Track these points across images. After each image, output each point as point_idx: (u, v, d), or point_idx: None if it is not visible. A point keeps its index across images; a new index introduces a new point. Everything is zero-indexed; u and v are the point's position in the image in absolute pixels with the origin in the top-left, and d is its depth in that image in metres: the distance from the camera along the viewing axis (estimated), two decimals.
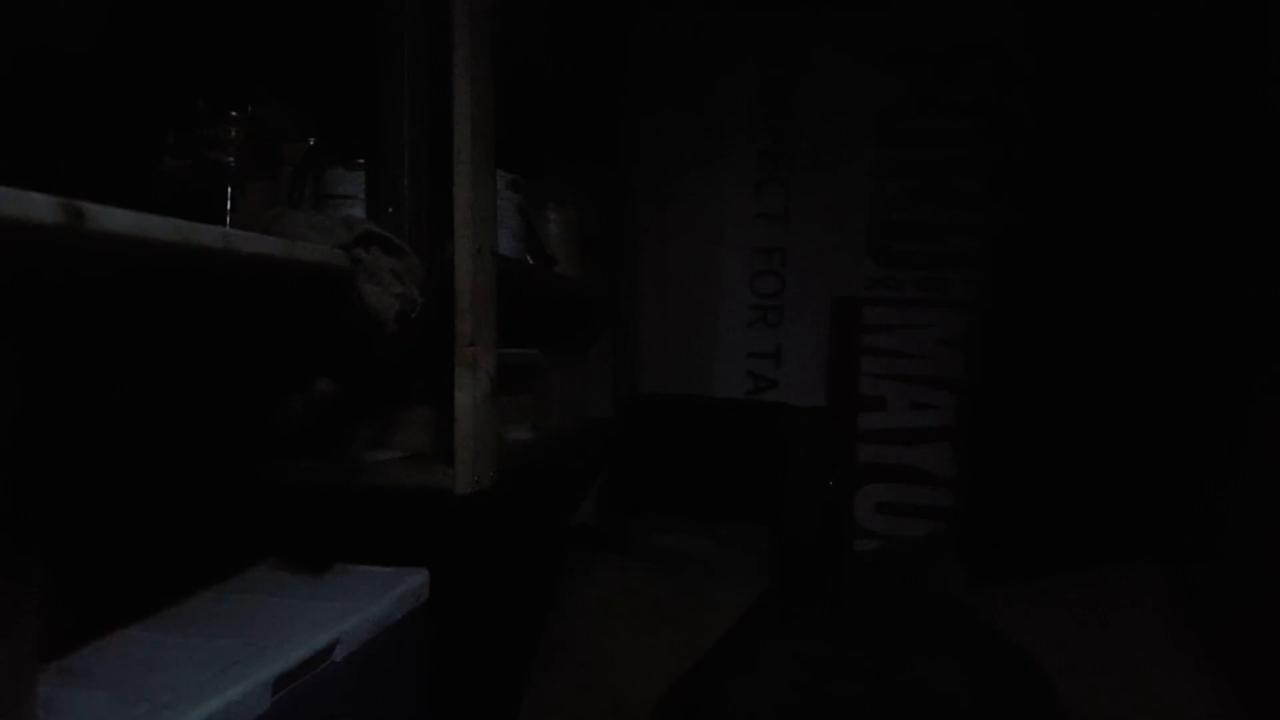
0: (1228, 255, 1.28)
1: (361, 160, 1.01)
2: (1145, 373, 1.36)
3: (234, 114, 0.90)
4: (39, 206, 0.42)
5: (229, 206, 0.89)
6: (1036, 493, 1.48)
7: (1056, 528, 1.45)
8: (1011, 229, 1.64)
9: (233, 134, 0.87)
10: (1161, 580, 1.14)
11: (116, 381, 1.02)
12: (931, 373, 1.73)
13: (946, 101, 1.72)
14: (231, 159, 0.89)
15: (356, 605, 0.90)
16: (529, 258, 1.33)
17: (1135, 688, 1.03)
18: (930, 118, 1.73)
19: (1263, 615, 1.04)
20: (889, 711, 0.81)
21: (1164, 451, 1.31)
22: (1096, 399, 1.42)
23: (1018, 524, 1.49)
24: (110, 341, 0.99)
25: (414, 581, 1.00)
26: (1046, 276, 1.50)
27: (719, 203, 1.85)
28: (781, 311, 1.83)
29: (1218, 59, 1.27)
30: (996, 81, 1.69)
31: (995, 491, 1.56)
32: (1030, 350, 1.51)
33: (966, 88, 1.71)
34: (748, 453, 1.49)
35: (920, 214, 1.74)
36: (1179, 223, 1.33)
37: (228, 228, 0.75)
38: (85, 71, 0.81)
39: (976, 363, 1.67)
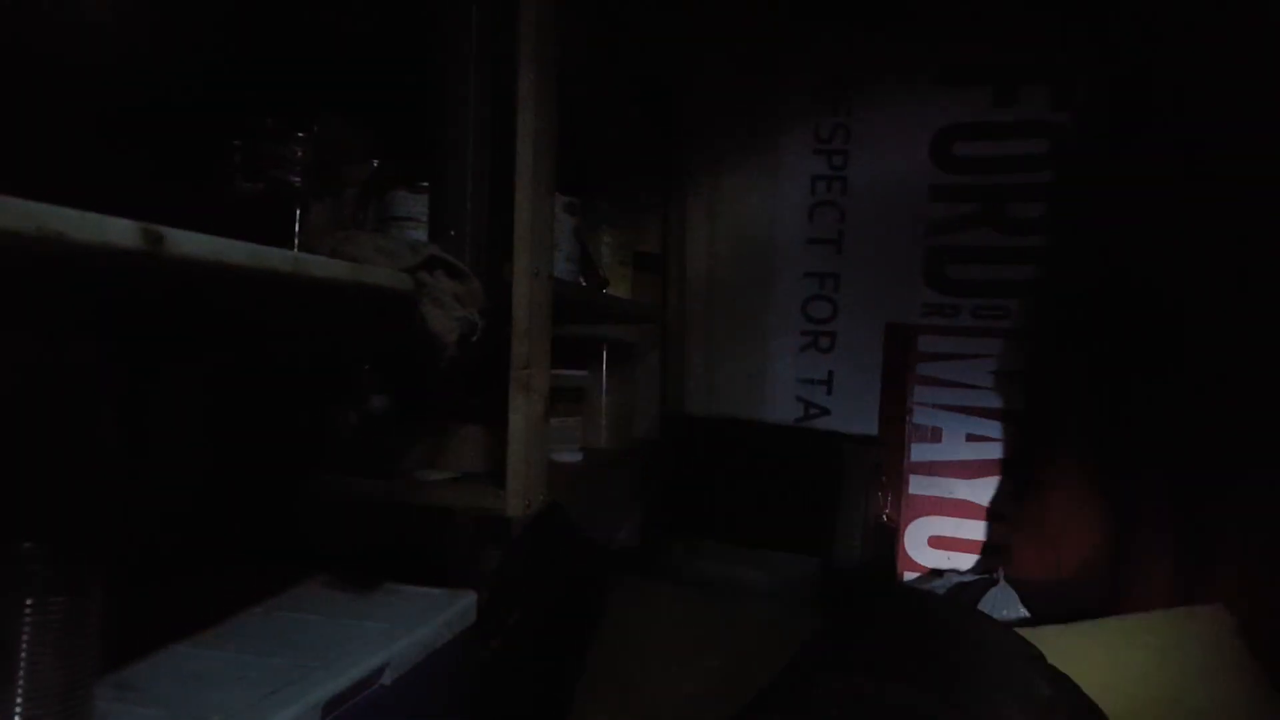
0: None
1: (424, 183, 1.02)
2: (1199, 406, 1.31)
3: (301, 134, 0.91)
4: (120, 231, 0.43)
5: (296, 228, 0.90)
6: (1094, 530, 1.43)
7: (1113, 567, 1.41)
8: (1068, 256, 1.59)
9: (300, 154, 0.87)
10: (1228, 622, 1.09)
11: (177, 394, 1.04)
12: (988, 404, 1.69)
13: (1004, 124, 1.68)
14: (298, 179, 0.90)
15: (405, 627, 0.90)
16: (582, 280, 1.33)
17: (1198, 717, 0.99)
18: (988, 141, 1.70)
19: None
20: None
21: (1225, 494, 1.26)
22: (1156, 439, 1.37)
23: (1072, 562, 1.44)
24: (173, 353, 1.01)
25: (462, 604, 1.00)
26: (1098, 307, 1.45)
27: (772, 226, 1.83)
28: (834, 337, 1.81)
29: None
30: (1054, 105, 1.65)
31: (1051, 525, 1.51)
32: (1080, 382, 1.47)
33: (1025, 110, 1.67)
34: (797, 480, 1.46)
35: (977, 240, 1.70)
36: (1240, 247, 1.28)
37: (296, 251, 0.75)
38: (160, 91, 0.83)
39: (1031, 395, 1.62)
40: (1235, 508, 1.22)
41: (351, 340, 1.06)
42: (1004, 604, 1.37)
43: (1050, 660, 1.02)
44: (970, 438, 1.70)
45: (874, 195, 1.77)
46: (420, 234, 0.98)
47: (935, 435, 1.72)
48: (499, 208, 0.98)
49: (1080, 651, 1.09)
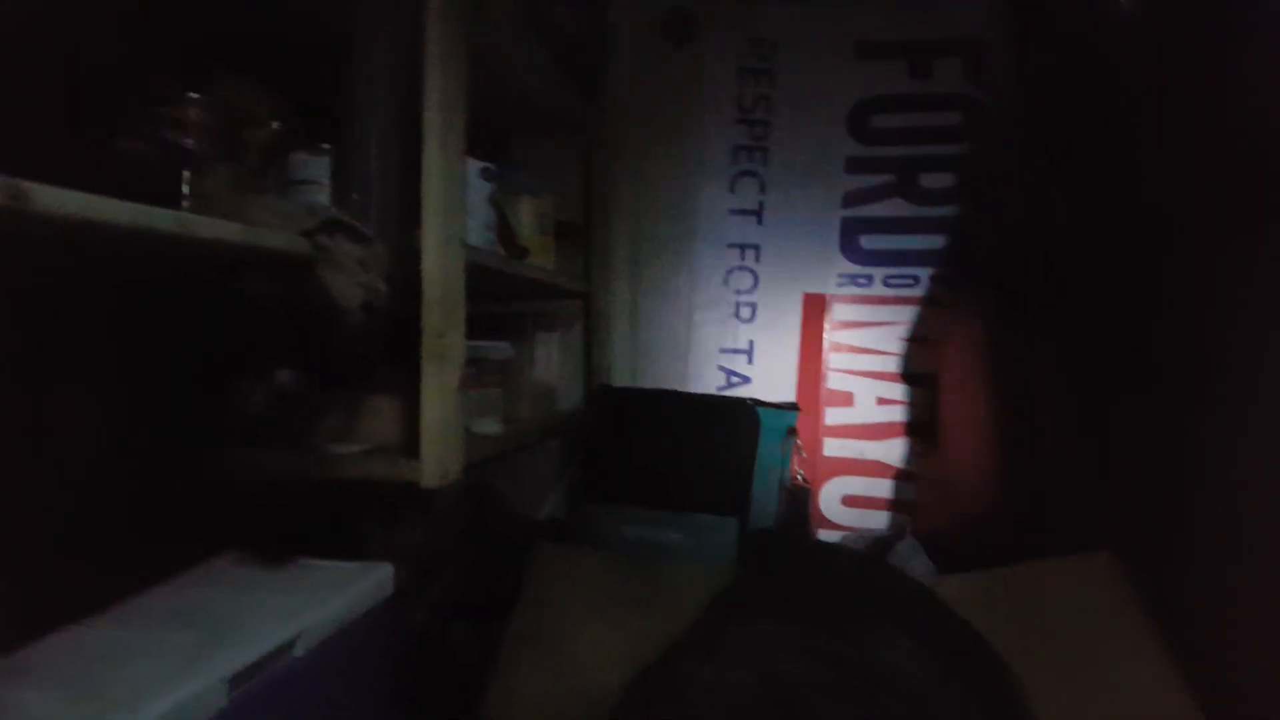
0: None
1: (327, 145, 0.99)
2: (1091, 369, 1.37)
3: (195, 95, 0.87)
4: None
5: (186, 190, 0.86)
6: (995, 485, 1.49)
7: (1014, 520, 1.47)
8: (976, 226, 1.65)
9: (193, 115, 0.84)
10: (1115, 569, 1.15)
11: (70, 365, 0.99)
12: (898, 369, 1.74)
13: (919, 97, 1.72)
14: (191, 141, 0.87)
15: (319, 600, 0.89)
16: (500, 248, 1.31)
17: (1089, 670, 1.05)
18: (903, 114, 1.73)
19: (1208, 603, 1.07)
20: (850, 691, 0.82)
21: (1113, 448, 1.33)
22: (1052, 397, 1.44)
23: (977, 516, 1.51)
24: (63, 325, 0.96)
25: (378, 576, 0.99)
26: (1004, 272, 1.51)
27: (694, 197, 1.84)
28: (755, 308, 1.83)
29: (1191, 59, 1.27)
30: (968, 79, 1.69)
31: (954, 484, 1.57)
32: (987, 344, 1.52)
33: (939, 84, 1.71)
34: (716, 446, 1.48)
35: (891, 211, 1.74)
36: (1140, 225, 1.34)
37: (185, 212, 0.73)
38: (39, 47, 0.78)
39: (938, 358, 1.68)
40: (1123, 462, 1.29)
41: (256, 312, 1.03)
42: (909, 556, 1.43)
43: (951, 607, 1.08)
44: (881, 401, 1.75)
45: (793, 166, 1.80)
46: (324, 198, 0.96)
47: (848, 400, 1.77)
48: (408, 172, 0.96)
49: (978, 598, 1.14)
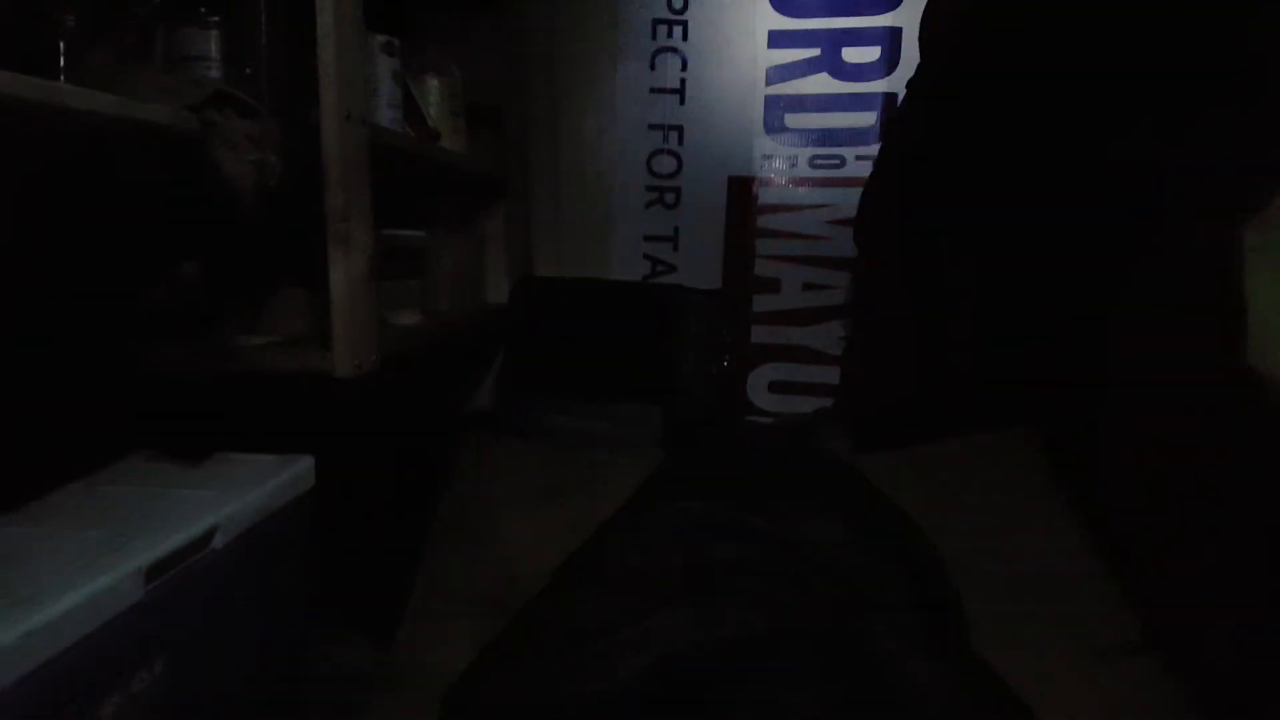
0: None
1: (216, 18, 0.92)
2: (1021, 251, 1.40)
3: None
4: None
5: (63, 64, 0.80)
6: (915, 365, 1.54)
7: (936, 399, 1.52)
8: (900, 104, 1.63)
9: None
10: (1034, 445, 1.20)
11: None
12: (823, 253, 1.76)
13: None
14: (71, 16, 0.80)
15: (237, 493, 0.87)
16: (409, 130, 1.25)
17: (1007, 541, 1.10)
18: None
19: (1121, 478, 1.12)
20: (772, 566, 0.85)
21: (1039, 329, 1.37)
22: (975, 276, 1.47)
23: (898, 396, 1.56)
24: None
25: (298, 468, 0.97)
26: (930, 150, 1.51)
27: (614, 74, 1.78)
28: (679, 193, 1.81)
29: None
30: None
31: (876, 365, 1.61)
32: (906, 226, 1.54)
33: None
34: (642, 336, 1.49)
35: (815, 88, 1.71)
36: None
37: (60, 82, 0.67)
38: None
39: (860, 242, 1.69)
40: (1037, 343, 1.34)
41: (152, 198, 0.97)
42: (833, 438, 1.47)
43: (872, 483, 1.12)
44: (808, 286, 1.77)
45: (714, 41, 1.74)
46: (216, 75, 0.90)
47: (775, 286, 1.79)
48: (304, 45, 0.90)
49: (900, 475, 1.18)
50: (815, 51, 1.71)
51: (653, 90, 1.77)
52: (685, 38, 1.75)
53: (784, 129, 1.74)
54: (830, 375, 1.77)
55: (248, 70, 0.89)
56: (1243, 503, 0.87)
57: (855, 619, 0.83)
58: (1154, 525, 1.05)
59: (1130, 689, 0.91)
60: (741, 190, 1.77)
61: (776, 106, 1.73)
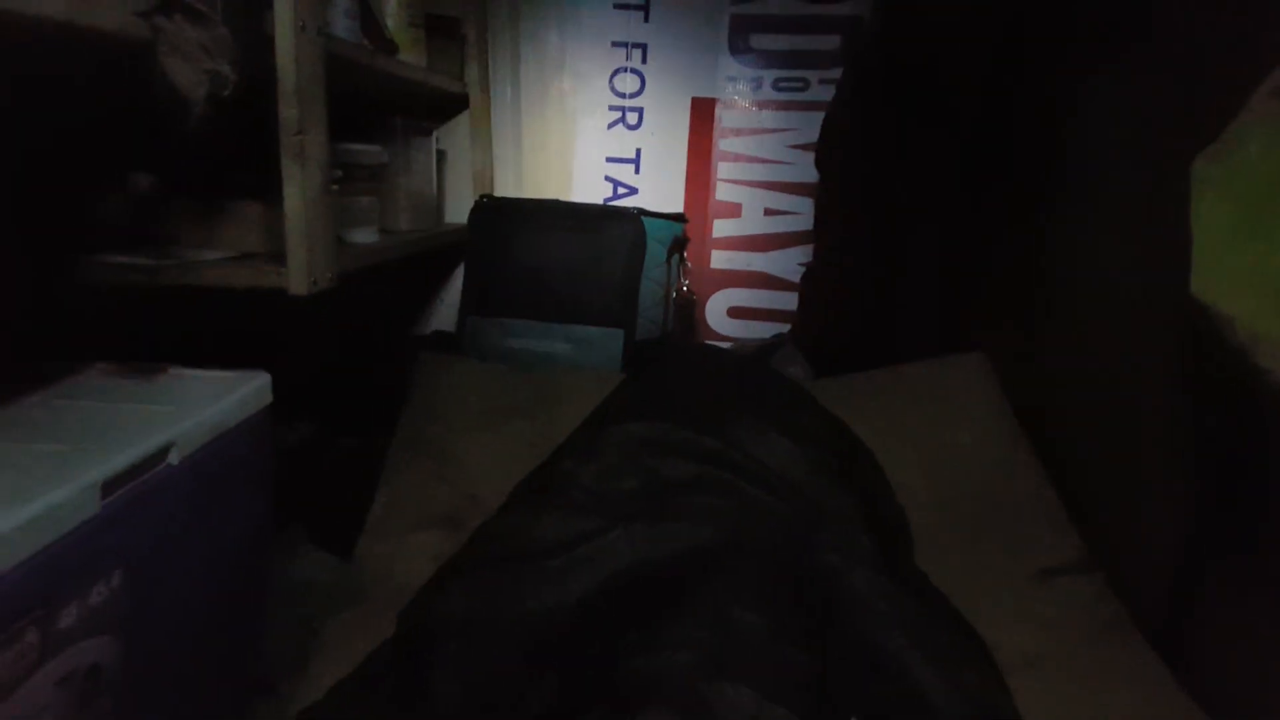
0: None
1: None
2: (963, 177, 1.41)
3: None
4: None
5: None
6: (873, 291, 1.56)
7: (892, 324, 1.56)
8: (871, 26, 1.62)
9: None
10: (985, 367, 1.23)
11: None
12: (785, 178, 1.76)
13: None
14: None
15: (193, 408, 0.87)
16: (366, 42, 1.21)
17: (955, 461, 1.13)
18: None
19: (1064, 391, 1.17)
20: (721, 484, 0.88)
21: (983, 254, 1.40)
22: (933, 208, 1.48)
23: (853, 320, 1.59)
24: None
25: (255, 384, 0.96)
26: (889, 78, 1.50)
27: None
28: (641, 114, 1.78)
29: None
30: None
31: (834, 290, 1.64)
32: (866, 155, 1.54)
33: None
34: (602, 258, 1.48)
35: (782, 9, 1.68)
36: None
37: None
38: None
39: (820, 167, 1.69)
40: (992, 268, 1.37)
41: (102, 108, 0.93)
42: (789, 361, 1.50)
43: (822, 404, 1.14)
44: (769, 212, 1.78)
45: None
46: None
47: (735, 211, 1.79)
48: None
49: (852, 397, 1.21)
50: None
51: (616, 6, 1.72)
52: None
53: (749, 49, 1.71)
54: (789, 301, 1.79)
55: None
56: (1178, 418, 0.91)
57: (803, 535, 0.87)
58: (1093, 444, 1.10)
59: (1068, 607, 0.95)
60: (705, 112, 1.75)
61: (742, 27, 1.70)
